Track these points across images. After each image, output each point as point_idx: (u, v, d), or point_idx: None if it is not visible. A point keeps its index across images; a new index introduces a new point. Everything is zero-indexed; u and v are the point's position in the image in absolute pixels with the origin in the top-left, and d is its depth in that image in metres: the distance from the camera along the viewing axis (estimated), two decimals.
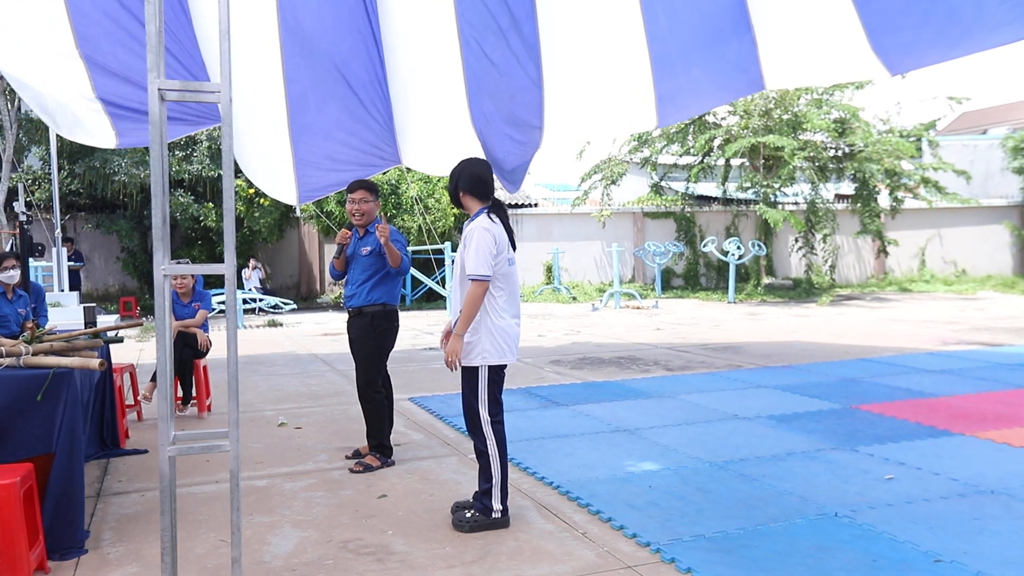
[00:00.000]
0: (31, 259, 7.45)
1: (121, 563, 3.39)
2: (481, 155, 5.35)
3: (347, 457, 5.01)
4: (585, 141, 15.05)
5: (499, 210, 3.85)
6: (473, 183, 3.84)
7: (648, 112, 5.01)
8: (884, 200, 18.75)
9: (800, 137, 17.65)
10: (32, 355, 3.58)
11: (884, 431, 5.42)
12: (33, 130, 16.34)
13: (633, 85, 4.87)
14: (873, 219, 18.12)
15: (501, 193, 21.00)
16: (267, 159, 5.92)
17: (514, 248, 3.85)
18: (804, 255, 18.60)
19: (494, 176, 4.24)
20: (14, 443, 3.44)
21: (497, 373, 3.75)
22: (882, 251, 19.57)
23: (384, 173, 16.05)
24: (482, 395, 3.70)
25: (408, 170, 15.95)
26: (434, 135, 5.71)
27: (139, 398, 6.40)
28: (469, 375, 3.73)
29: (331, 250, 19.43)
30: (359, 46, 5.24)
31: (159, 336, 2.78)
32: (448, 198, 3.79)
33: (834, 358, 8.85)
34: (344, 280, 5.00)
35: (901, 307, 15.89)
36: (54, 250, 13.33)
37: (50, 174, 15.38)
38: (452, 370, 3.74)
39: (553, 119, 5.28)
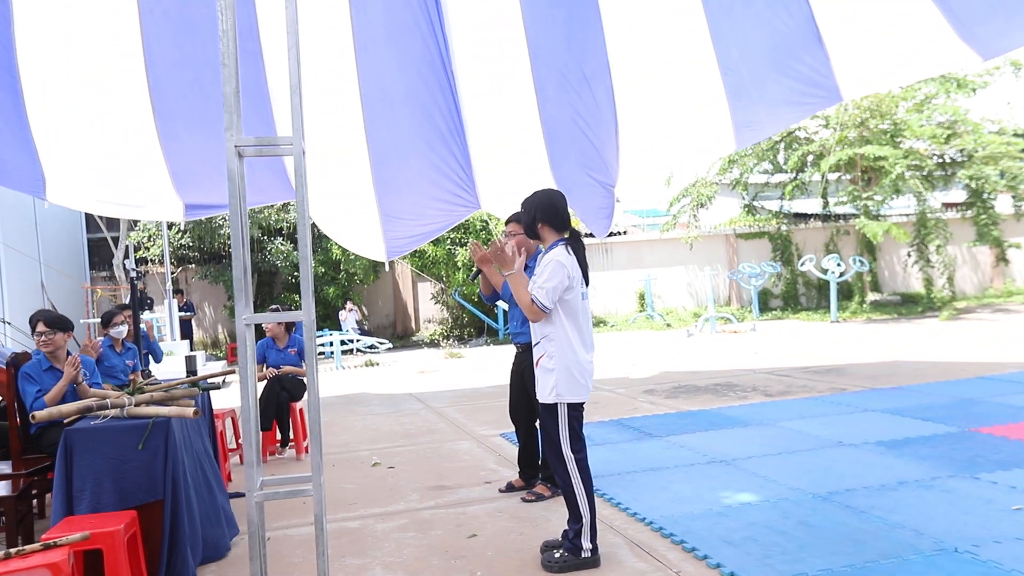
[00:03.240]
0: (142, 312, 7.89)
1: None
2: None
3: (501, 491, 5.05)
4: (670, 170, 14.96)
5: (576, 242, 3.81)
6: (551, 214, 3.81)
7: (726, 138, 4.93)
8: (1002, 205, 17.63)
9: (902, 146, 16.87)
10: (135, 405, 3.76)
11: (1009, 456, 5.01)
12: None
13: (709, 116, 4.82)
14: (991, 227, 17.05)
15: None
16: (351, 217, 6.12)
17: (587, 282, 3.79)
18: (921, 268, 17.62)
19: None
20: (120, 492, 3.60)
21: (576, 409, 3.68)
22: (1001, 259, 18.35)
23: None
24: (563, 432, 3.64)
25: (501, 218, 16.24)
26: (511, 179, 5.76)
27: (240, 441, 6.63)
28: (548, 413, 3.68)
29: (425, 289, 19.81)
30: (438, 99, 5.36)
31: (242, 384, 2.86)
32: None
33: (949, 377, 8.29)
34: (503, 308, 5.14)
35: None
36: (165, 301, 14.13)
37: (162, 231, 16.39)
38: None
39: (630, 160, 5.26)
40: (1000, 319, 15.05)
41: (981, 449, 5.22)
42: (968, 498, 4.23)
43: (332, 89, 5.23)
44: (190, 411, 3.65)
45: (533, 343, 3.80)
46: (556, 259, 3.67)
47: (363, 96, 5.29)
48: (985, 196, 17.15)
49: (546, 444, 3.74)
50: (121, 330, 5.89)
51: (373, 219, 5.93)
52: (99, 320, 6.59)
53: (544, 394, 3.66)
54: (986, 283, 20.61)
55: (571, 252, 3.74)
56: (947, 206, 19.92)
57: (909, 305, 18.10)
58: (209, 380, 5.07)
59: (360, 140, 5.46)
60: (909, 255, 18.08)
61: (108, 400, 3.73)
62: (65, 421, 3.78)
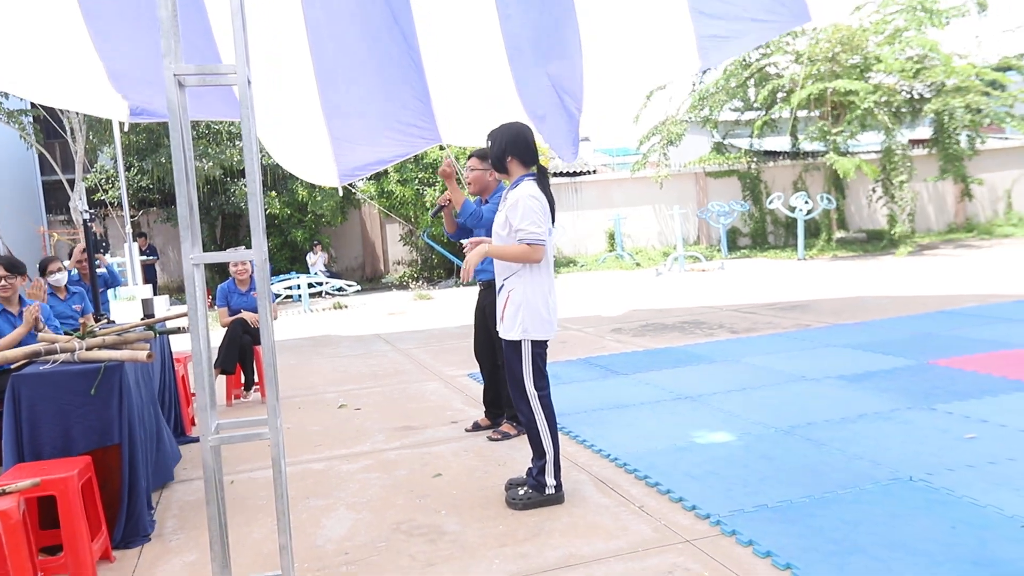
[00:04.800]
0: (100, 256, 7.67)
1: (182, 550, 3.45)
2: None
3: (467, 430, 5.03)
4: (637, 94, 14.58)
5: (544, 178, 3.71)
6: (521, 147, 3.69)
7: (690, 54, 4.83)
8: (966, 142, 17.74)
9: (871, 81, 16.78)
10: (86, 350, 3.65)
11: (964, 387, 5.10)
12: (102, 130, 16.90)
13: (671, 30, 4.71)
14: (954, 162, 17.16)
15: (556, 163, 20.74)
16: (300, 141, 5.90)
17: (553, 221, 3.71)
18: (884, 204, 17.72)
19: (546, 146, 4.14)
20: (73, 437, 3.52)
21: (540, 346, 3.64)
22: (966, 194, 18.53)
23: (442, 148, 16.04)
24: (527, 369, 3.60)
25: (463, 149, 15.93)
26: (473, 107, 5.60)
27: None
28: (512, 350, 3.63)
29: (393, 231, 19.59)
30: (389, 23, 5.15)
31: (192, 327, 2.76)
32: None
33: (910, 311, 8.42)
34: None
35: (985, 254, 15.05)
36: (125, 245, 13.79)
37: (119, 171, 15.90)
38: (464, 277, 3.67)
39: (595, 77, 5.12)
40: (962, 254, 15.30)
41: (938, 381, 5.31)
42: (924, 428, 4.31)
43: (273, 11, 4.98)
44: (143, 355, 3.55)
45: (498, 281, 3.73)
46: (529, 194, 3.57)
47: (306, 18, 5.04)
48: (952, 131, 17.20)
49: (509, 381, 3.70)
50: (58, 278, 5.72)
51: (323, 143, 5.72)
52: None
53: (510, 331, 3.60)
54: (950, 220, 20.87)
55: (540, 190, 3.65)
56: (913, 143, 19.99)
57: (874, 242, 18.29)
58: (168, 324, 4.95)
59: (306, 60, 5.21)
60: (874, 191, 18.17)
61: (57, 345, 3.61)
62: (12, 366, 3.67)
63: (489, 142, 3.79)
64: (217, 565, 2.76)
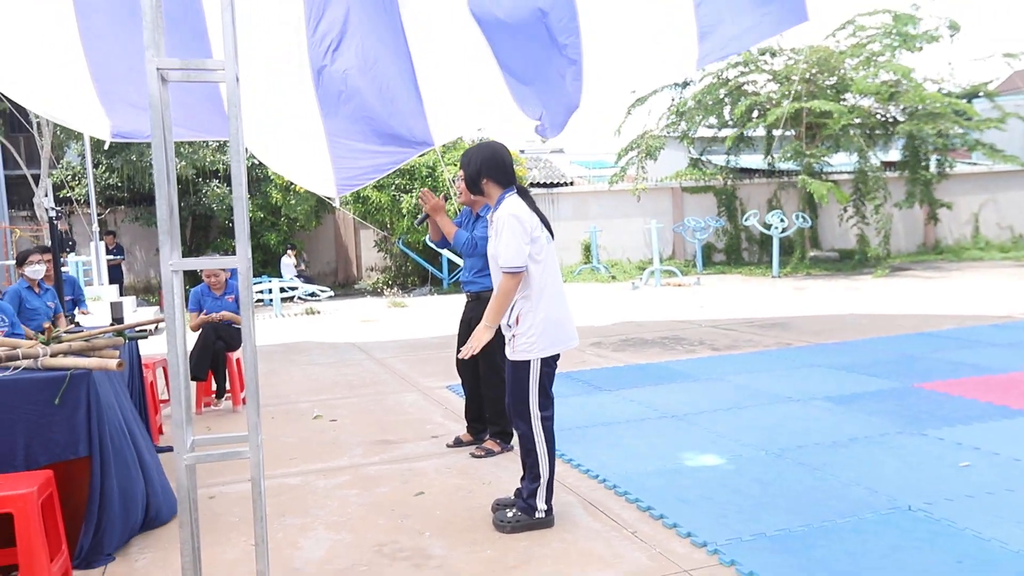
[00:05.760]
0: (63, 254, 7.40)
1: (148, 572, 3.25)
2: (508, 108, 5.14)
3: (448, 446, 4.87)
4: (629, 90, 14.42)
5: (524, 195, 3.58)
6: (497, 168, 3.56)
7: (689, 51, 4.77)
8: (935, 166, 18.04)
9: (846, 103, 16.96)
10: (50, 356, 3.43)
11: (952, 412, 5.06)
12: None
13: (673, 24, 4.65)
14: (923, 186, 17.41)
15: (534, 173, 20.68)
16: (296, 144, 5.69)
17: (550, 231, 3.56)
18: (855, 224, 17.91)
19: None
20: (34, 449, 3.30)
21: (548, 365, 3.49)
22: (932, 218, 18.81)
23: (421, 156, 15.84)
24: (532, 388, 3.44)
25: (445, 151, 15.73)
26: (460, 95, 5.45)
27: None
28: (520, 368, 3.47)
29: (367, 236, 19.35)
30: (381, 15, 5.00)
31: (169, 338, 2.58)
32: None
33: (890, 332, 8.42)
34: (452, 254, 4.88)
35: (956, 276, 15.23)
36: (91, 244, 13.40)
37: (87, 169, 15.49)
38: (466, 357, 3.52)
39: (593, 67, 5.01)
40: (934, 276, 15.47)
41: (925, 405, 5.27)
42: (917, 455, 4.24)
43: (273, 12, 4.81)
44: (113, 363, 3.34)
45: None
46: (509, 213, 3.43)
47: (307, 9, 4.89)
48: (921, 156, 17.47)
49: (511, 399, 3.51)
50: (37, 269, 5.48)
51: (320, 146, 5.51)
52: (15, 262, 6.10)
53: (519, 352, 3.44)
54: (919, 242, 21.17)
55: (520, 204, 3.51)
56: (885, 165, 20.25)
57: (846, 261, 18.45)
58: (136, 329, 4.73)
59: (302, 56, 5.03)
60: (846, 210, 18.35)
61: (19, 351, 3.39)
62: None
63: (464, 162, 3.67)
64: None
